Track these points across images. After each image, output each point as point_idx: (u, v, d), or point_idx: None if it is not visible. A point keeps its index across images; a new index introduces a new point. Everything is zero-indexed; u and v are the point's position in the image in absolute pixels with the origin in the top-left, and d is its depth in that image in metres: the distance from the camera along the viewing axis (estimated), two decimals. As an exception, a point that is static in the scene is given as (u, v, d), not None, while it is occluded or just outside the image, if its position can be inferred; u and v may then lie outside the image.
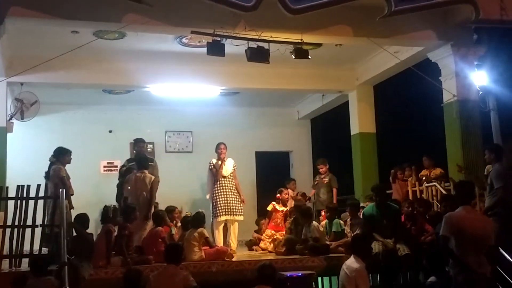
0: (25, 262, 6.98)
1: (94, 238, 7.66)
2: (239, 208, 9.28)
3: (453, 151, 9.13)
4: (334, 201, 10.49)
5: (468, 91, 9.15)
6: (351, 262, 6.21)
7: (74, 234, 7.58)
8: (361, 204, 9.17)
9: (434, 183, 9.22)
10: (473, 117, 9.09)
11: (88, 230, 7.75)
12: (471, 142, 8.93)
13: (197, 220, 8.30)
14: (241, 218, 9.27)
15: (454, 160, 9.06)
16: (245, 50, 8.26)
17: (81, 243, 7.17)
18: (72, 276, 6.25)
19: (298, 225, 8.88)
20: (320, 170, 11.12)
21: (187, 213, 9.38)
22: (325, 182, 10.91)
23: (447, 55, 9.22)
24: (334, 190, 10.82)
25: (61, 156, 8.80)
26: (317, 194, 10.96)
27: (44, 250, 7.31)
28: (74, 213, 8.24)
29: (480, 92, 9.26)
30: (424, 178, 9.82)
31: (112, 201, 9.43)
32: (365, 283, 6.12)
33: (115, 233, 7.53)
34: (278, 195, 10.21)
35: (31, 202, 7.24)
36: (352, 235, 8.06)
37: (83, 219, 7.64)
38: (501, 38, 9.15)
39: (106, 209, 7.79)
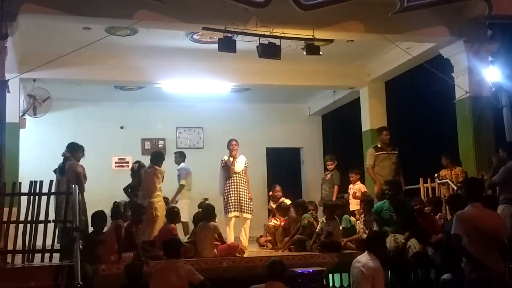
0: (37, 257, 7.03)
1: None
2: (250, 205, 9.26)
3: (465, 147, 9.09)
4: (334, 198, 10.30)
5: (481, 88, 9.09)
6: (367, 260, 6.07)
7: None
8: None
9: (447, 180, 9.14)
10: (486, 113, 9.03)
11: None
12: (483, 139, 8.88)
13: (208, 212, 8.22)
14: (249, 216, 9.23)
15: (467, 156, 9.02)
16: (257, 46, 8.25)
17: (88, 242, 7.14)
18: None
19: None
20: (329, 167, 11.08)
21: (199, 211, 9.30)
22: (327, 178, 10.84)
23: (460, 51, 9.16)
24: (336, 187, 10.67)
25: (75, 151, 8.83)
26: (323, 190, 10.85)
27: (57, 246, 7.34)
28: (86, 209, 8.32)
29: (493, 89, 9.20)
30: (439, 176, 9.60)
31: (123, 196, 9.50)
32: (381, 282, 6.08)
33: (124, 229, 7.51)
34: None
35: (44, 198, 7.27)
36: (367, 231, 8.02)
37: (99, 217, 7.40)
38: (515, 34, 9.09)
39: (117, 205, 7.79)
